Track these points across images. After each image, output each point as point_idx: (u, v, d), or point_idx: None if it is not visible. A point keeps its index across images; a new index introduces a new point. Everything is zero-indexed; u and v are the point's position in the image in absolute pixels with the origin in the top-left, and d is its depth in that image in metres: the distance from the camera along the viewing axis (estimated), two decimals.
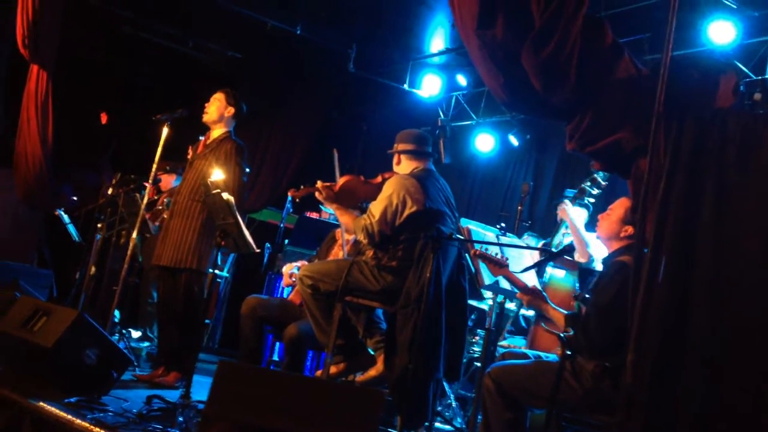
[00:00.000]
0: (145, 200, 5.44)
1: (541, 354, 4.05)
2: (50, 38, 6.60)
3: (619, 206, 3.82)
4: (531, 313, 5.25)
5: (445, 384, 5.18)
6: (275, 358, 6.21)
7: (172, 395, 4.31)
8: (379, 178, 4.62)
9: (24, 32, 6.40)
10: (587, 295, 3.74)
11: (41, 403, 3.63)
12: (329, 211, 5.02)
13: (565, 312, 3.72)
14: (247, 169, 5.26)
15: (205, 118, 5.28)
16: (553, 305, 3.83)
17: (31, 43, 6.47)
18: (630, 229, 3.70)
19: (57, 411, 3.58)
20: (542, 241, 5.74)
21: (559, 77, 2.87)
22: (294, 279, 5.12)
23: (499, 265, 4.02)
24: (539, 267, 4.50)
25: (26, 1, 6.24)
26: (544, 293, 3.90)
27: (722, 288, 2.54)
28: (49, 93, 6.73)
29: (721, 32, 5.37)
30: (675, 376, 2.59)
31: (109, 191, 6.20)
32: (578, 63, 2.87)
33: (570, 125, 2.97)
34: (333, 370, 4.39)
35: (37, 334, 4.13)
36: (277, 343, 6.24)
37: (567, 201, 5.24)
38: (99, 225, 6.13)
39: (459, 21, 3.14)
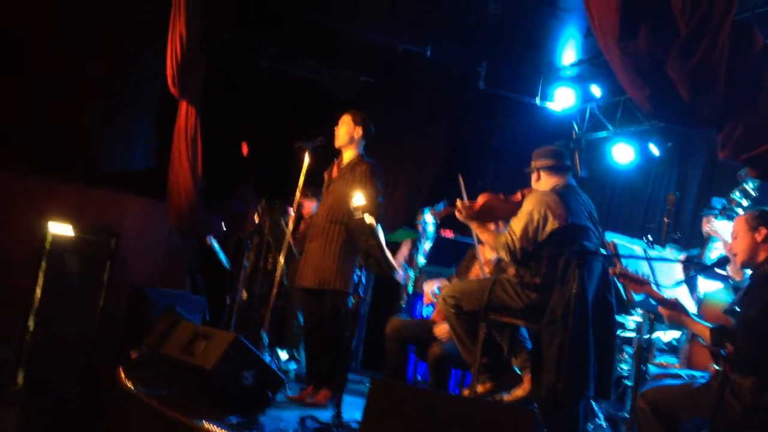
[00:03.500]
0: (290, 226, 5.65)
1: (695, 373, 3.91)
2: (197, 76, 6.99)
3: (737, 224, 3.66)
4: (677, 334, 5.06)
5: (593, 403, 5.06)
6: (419, 377, 6.27)
7: (324, 415, 4.44)
8: (519, 195, 4.60)
9: (173, 72, 6.81)
10: (737, 308, 3.58)
11: (205, 423, 3.83)
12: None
13: (710, 325, 3.57)
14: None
15: (337, 142, 5.44)
16: (696, 318, 3.68)
17: (180, 81, 6.87)
18: (764, 230, 3.53)
19: (220, 431, 3.76)
20: (684, 254, 5.52)
21: (708, 85, 2.79)
22: (436, 299, 5.17)
23: (640, 284, 3.89)
24: (690, 281, 4.33)
25: (175, 43, 6.64)
26: (685, 307, 3.74)
27: None
28: (198, 128, 7.11)
29: None
30: None
31: (256, 219, 6.46)
32: (727, 70, 2.78)
33: (721, 133, 2.88)
34: (480, 389, 4.39)
35: (198, 356, 4.36)
36: (420, 363, 6.29)
37: (712, 217, 5.04)
38: (247, 252, 6.41)
39: (599, 32, 3.11)
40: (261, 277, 6.55)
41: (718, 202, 5.71)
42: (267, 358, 5.52)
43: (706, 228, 5.62)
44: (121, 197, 7.66)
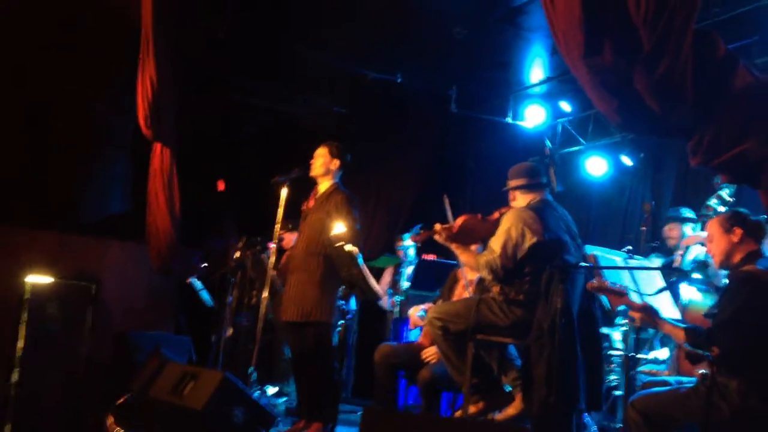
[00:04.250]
0: (272, 260, 5.65)
1: (683, 379, 3.94)
2: (169, 116, 6.97)
3: (711, 226, 3.72)
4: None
5: (585, 416, 5.07)
6: (410, 402, 6.25)
7: None
8: (496, 214, 4.64)
9: (145, 113, 6.79)
10: (715, 310, 3.62)
11: None
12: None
13: (683, 326, 3.60)
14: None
15: (313, 172, 5.46)
16: (668, 320, 3.70)
17: (153, 123, 6.86)
18: (738, 231, 3.58)
19: None
20: (665, 261, 5.59)
21: (675, 95, 2.85)
22: (423, 322, 5.17)
23: (618, 295, 3.93)
24: (670, 288, 4.37)
25: (145, 85, 6.64)
26: (657, 310, 3.77)
27: None
28: (174, 168, 7.08)
29: None
30: None
31: (237, 255, 6.45)
32: (693, 78, 2.84)
33: (692, 141, 2.93)
34: (472, 409, 4.39)
35: (187, 398, 4.33)
36: (410, 388, 6.27)
37: (687, 227, 5.14)
38: (230, 289, 6.38)
39: (564, 50, 3.16)
40: (246, 313, 6.53)
41: (685, 211, 5.80)
42: (257, 395, 5.50)
43: (671, 234, 5.69)
44: (99, 242, 7.59)
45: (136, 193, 7.96)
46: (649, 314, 3.74)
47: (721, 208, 4.86)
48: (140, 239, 7.44)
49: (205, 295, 7.39)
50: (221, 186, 8.86)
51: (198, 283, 7.38)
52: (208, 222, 8.41)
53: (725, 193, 4.87)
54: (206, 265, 7.65)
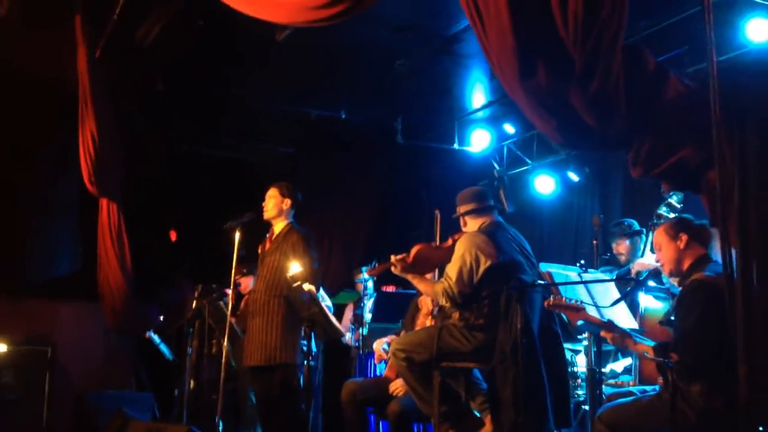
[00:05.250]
0: (230, 307, 5.59)
1: (646, 387, 3.98)
2: (114, 171, 6.91)
3: (657, 236, 3.79)
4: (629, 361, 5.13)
5: None
6: None
7: None
8: (450, 241, 4.66)
9: (89, 170, 6.73)
10: (672, 318, 3.68)
11: None
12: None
13: (652, 343, 3.66)
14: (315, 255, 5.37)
15: (266, 215, 5.45)
16: (638, 338, 3.76)
17: (97, 179, 6.79)
18: (684, 236, 3.65)
19: None
20: (617, 272, 5.66)
21: (610, 110, 2.91)
22: (387, 355, 5.15)
23: (575, 311, 3.97)
24: (627, 298, 4.42)
25: (87, 142, 6.58)
26: (623, 328, 3.83)
27: None
28: (122, 223, 7.01)
29: (760, 30, 5.33)
30: None
31: (194, 304, 6.37)
32: (626, 92, 2.90)
33: (631, 153, 2.99)
34: None
35: None
36: (381, 422, 6.22)
37: (621, 239, 5.24)
38: (189, 339, 6.28)
39: (500, 74, 3.21)
40: (207, 362, 6.43)
41: (629, 224, 5.89)
42: None
43: (619, 249, 5.77)
44: (51, 305, 7.47)
45: (85, 251, 7.85)
46: (621, 335, 3.79)
47: (672, 215, 4.95)
48: (93, 298, 7.33)
49: (164, 349, 7.27)
50: (173, 236, 8.77)
51: (156, 337, 7.27)
52: (163, 274, 8.31)
53: (674, 200, 4.97)
54: (163, 317, 7.55)
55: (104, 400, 6.74)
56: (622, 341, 3.78)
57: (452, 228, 4.82)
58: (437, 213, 4.90)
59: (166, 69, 7.02)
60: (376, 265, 4.90)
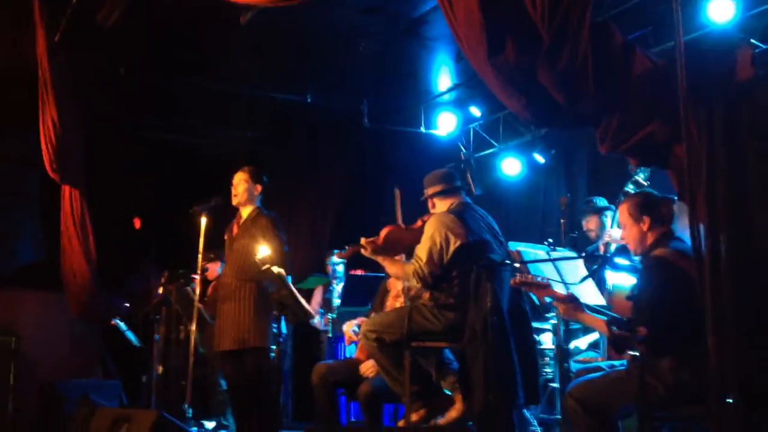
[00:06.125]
0: (197, 292, 5.54)
1: (614, 363, 4.02)
2: (76, 158, 6.81)
3: (621, 214, 3.82)
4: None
5: (525, 411, 5.13)
6: (352, 419, 6.21)
7: None
8: (419, 222, 4.67)
9: (51, 157, 6.61)
10: (635, 293, 3.72)
11: None
12: None
13: (604, 318, 3.70)
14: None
15: (236, 201, 5.40)
16: (591, 312, 3.79)
17: (59, 166, 6.68)
18: (647, 219, 3.69)
19: None
20: (590, 249, 5.72)
21: (579, 87, 2.93)
22: (357, 336, 5.16)
23: (541, 288, 4.00)
24: (594, 275, 4.47)
25: (48, 128, 6.47)
26: (581, 302, 3.86)
27: None
28: (85, 210, 6.91)
29: (721, 10, 5.41)
30: (759, 349, 2.58)
31: (160, 290, 6.30)
32: (594, 69, 2.93)
33: (599, 129, 3.02)
34: (414, 417, 4.39)
35: None
36: (352, 404, 6.24)
37: (590, 216, 5.29)
38: (156, 326, 6.22)
39: (469, 52, 3.22)
40: (175, 349, 6.38)
41: (599, 200, 5.98)
42: (194, 430, 5.37)
43: (589, 226, 5.86)
44: (14, 295, 7.37)
45: (49, 240, 7.73)
46: (573, 307, 3.81)
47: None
48: (57, 287, 7.23)
49: (130, 336, 7.20)
50: (137, 224, 8.67)
51: (122, 325, 7.20)
52: (128, 261, 8.21)
53: (641, 178, 5.02)
54: (129, 304, 7.47)
55: (71, 388, 6.66)
56: (575, 315, 3.80)
57: (418, 208, 4.82)
58: (397, 192, 4.89)
59: (127, 53, 6.91)
60: (347, 248, 4.89)
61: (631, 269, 4.10)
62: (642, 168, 4.91)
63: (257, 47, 6.71)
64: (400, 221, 4.68)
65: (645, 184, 4.90)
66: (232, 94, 7.80)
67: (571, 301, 3.81)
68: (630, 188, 4.94)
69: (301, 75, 7.57)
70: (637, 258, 3.89)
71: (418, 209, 4.84)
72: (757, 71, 3.06)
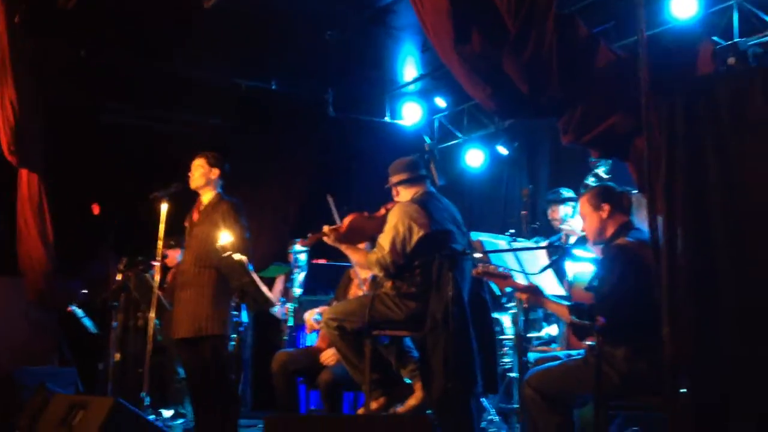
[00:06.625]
0: (157, 279, 5.47)
1: (572, 352, 4.08)
2: (35, 141, 6.69)
3: (582, 205, 3.87)
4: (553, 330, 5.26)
5: (483, 400, 5.18)
6: (312, 407, 6.21)
7: None
8: (383, 211, 4.67)
9: (8, 138, 6.49)
10: (595, 283, 3.77)
11: None
12: None
13: (567, 303, 3.75)
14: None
15: (192, 184, 5.32)
16: (552, 298, 3.85)
17: (17, 148, 6.56)
18: (606, 207, 3.74)
19: None
20: (546, 241, 5.78)
21: (543, 77, 2.95)
22: (319, 325, 5.15)
23: (502, 278, 4.04)
24: (554, 266, 4.52)
25: (6, 110, 6.34)
26: (540, 288, 3.91)
27: (742, 244, 2.59)
28: (43, 194, 6.80)
29: (684, 7, 5.49)
30: (715, 339, 2.62)
31: (119, 277, 6.21)
32: (558, 60, 2.95)
33: (562, 120, 3.05)
34: (374, 405, 4.40)
35: (77, 429, 4.12)
36: (311, 393, 6.23)
37: (556, 206, 5.35)
38: (114, 313, 6.14)
39: (435, 42, 3.22)
40: (133, 336, 6.30)
41: (565, 191, 6.04)
42: (152, 418, 5.31)
43: (554, 216, 5.92)
44: None
45: (5, 224, 7.57)
46: (535, 294, 3.86)
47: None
48: (13, 273, 7.10)
49: (87, 323, 7.10)
50: (96, 210, 8.53)
51: (79, 311, 7.09)
52: (86, 247, 8.08)
53: (601, 171, 5.09)
54: (87, 291, 7.36)
55: (27, 376, 6.53)
56: (537, 301, 3.85)
57: (381, 197, 4.82)
58: (330, 198, 4.88)
59: (89, 37, 6.78)
60: (309, 235, 4.87)
61: (591, 259, 4.15)
62: (603, 162, 4.98)
63: (221, 32, 6.62)
64: (339, 224, 4.65)
65: (605, 177, 4.96)
66: (195, 80, 7.70)
67: (533, 290, 3.86)
68: (591, 181, 5.00)
69: (266, 62, 7.51)
70: (595, 248, 3.94)
71: (378, 200, 4.84)
72: (718, 66, 3.11)
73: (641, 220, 3.69)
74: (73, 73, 7.23)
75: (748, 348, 2.58)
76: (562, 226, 5.64)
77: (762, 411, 2.57)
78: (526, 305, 4.14)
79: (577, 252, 4.45)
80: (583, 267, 4.52)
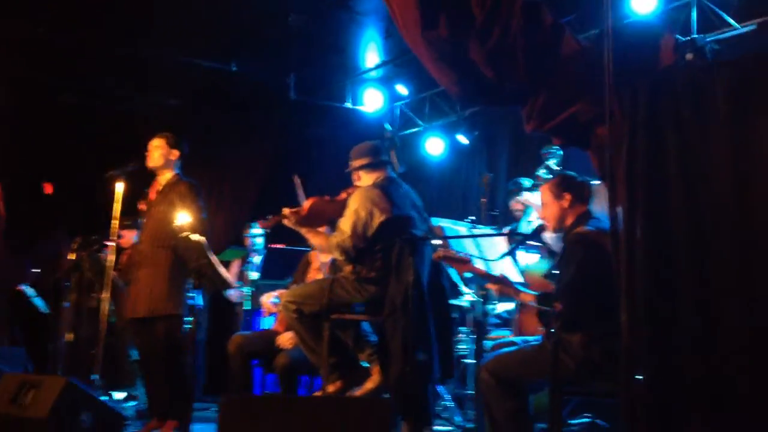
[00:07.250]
0: (111, 259, 5.39)
1: (528, 338, 4.14)
2: None
3: (543, 194, 3.93)
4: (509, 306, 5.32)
5: (438, 386, 5.22)
6: (267, 391, 6.19)
7: None
8: (344, 195, 4.66)
9: None
10: (555, 271, 3.83)
11: None
12: None
13: (536, 293, 3.81)
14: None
15: (151, 163, 5.26)
16: (523, 289, 3.91)
17: None
18: (568, 196, 3.79)
19: None
20: (505, 228, 5.84)
21: (508, 64, 2.98)
22: (276, 308, 5.13)
23: (462, 263, 4.08)
24: (513, 252, 4.57)
25: None
26: (510, 279, 3.97)
27: (700, 235, 2.64)
28: None
29: (644, 2, 5.57)
30: (670, 328, 2.68)
31: (72, 256, 6.11)
32: (524, 47, 2.97)
33: (525, 107, 3.07)
34: (330, 388, 4.40)
35: (28, 408, 4.06)
36: (267, 376, 6.21)
37: (525, 192, 5.37)
38: (67, 293, 6.03)
39: (402, 27, 3.22)
40: (86, 316, 6.21)
41: (525, 181, 6.11)
42: (104, 399, 5.25)
43: (516, 206, 5.99)
44: None
45: None
46: (507, 285, 3.91)
47: (550, 177, 5.14)
48: None
49: (38, 302, 6.97)
50: (48, 189, 8.36)
51: (30, 290, 6.96)
52: (38, 226, 7.92)
53: (552, 163, 5.17)
54: (38, 270, 7.22)
55: None
56: (509, 292, 3.91)
57: (341, 182, 4.81)
58: (296, 179, 4.86)
59: (48, 15, 6.62)
60: (269, 217, 4.84)
61: (539, 250, 4.21)
62: (553, 154, 5.07)
63: (182, 12, 6.53)
64: (304, 203, 4.64)
65: (556, 169, 5.05)
66: (155, 59, 7.57)
67: (503, 281, 3.92)
68: (542, 172, 5.08)
69: (227, 43, 7.42)
70: (548, 240, 3.99)
71: (339, 185, 4.84)
72: (678, 61, 3.17)
73: (599, 210, 3.76)
74: (31, 51, 7.07)
75: (706, 336, 2.64)
76: (523, 219, 5.70)
77: (717, 397, 2.63)
78: (497, 295, 4.18)
79: (533, 243, 4.51)
80: (532, 257, 4.60)
